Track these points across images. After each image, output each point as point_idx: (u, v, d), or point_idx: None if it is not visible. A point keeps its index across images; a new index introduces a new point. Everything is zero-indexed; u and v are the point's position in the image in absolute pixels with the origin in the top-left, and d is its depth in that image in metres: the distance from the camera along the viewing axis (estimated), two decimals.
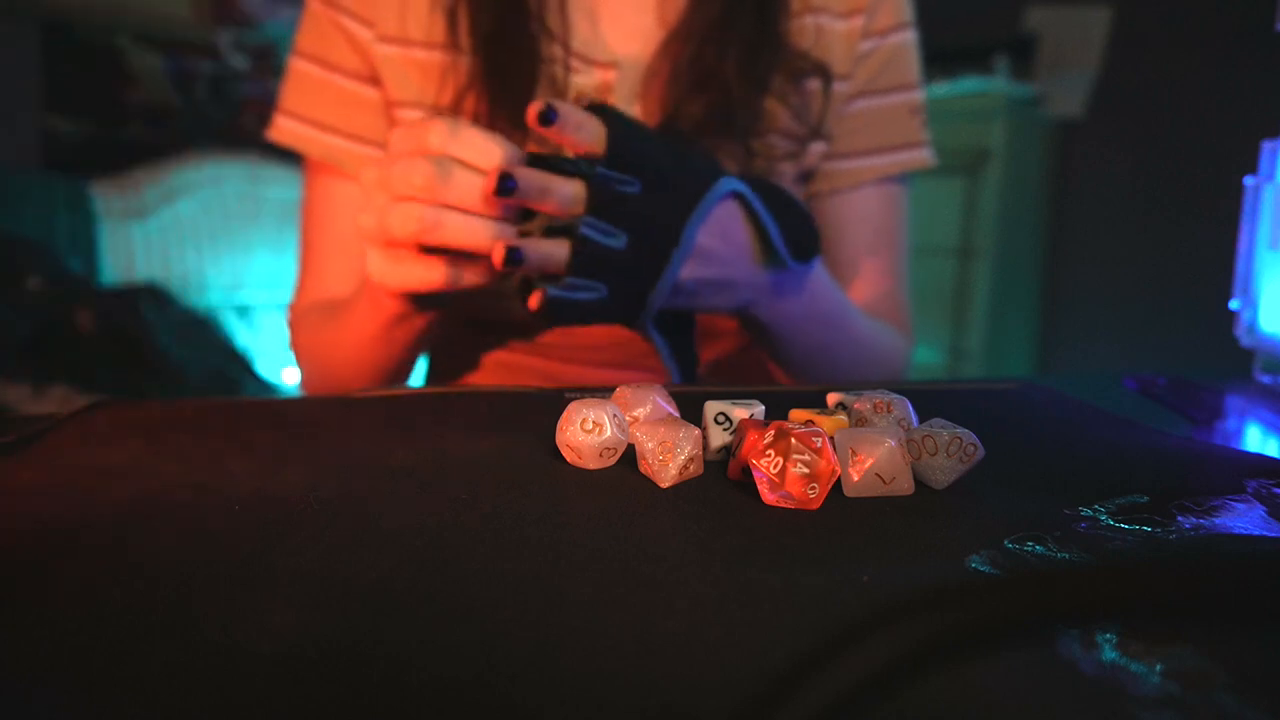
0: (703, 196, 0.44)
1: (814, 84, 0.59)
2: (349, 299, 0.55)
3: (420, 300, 0.47)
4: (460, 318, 0.64)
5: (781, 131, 0.58)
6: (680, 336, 0.50)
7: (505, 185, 0.39)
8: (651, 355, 0.62)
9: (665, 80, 0.55)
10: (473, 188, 0.40)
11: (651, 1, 0.58)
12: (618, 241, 0.43)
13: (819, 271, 0.53)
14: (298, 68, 0.60)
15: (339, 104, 0.59)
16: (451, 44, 0.56)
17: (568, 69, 0.56)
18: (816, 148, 0.61)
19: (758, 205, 0.46)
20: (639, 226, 0.43)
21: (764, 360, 0.66)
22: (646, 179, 0.43)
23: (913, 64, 0.63)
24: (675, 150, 0.46)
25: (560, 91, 0.56)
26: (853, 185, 0.63)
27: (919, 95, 0.63)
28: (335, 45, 0.58)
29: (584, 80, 0.57)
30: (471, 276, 0.43)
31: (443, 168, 0.40)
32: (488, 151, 0.40)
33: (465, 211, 0.41)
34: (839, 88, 0.60)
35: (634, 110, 0.57)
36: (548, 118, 0.40)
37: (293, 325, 0.63)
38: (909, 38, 0.63)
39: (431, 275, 0.42)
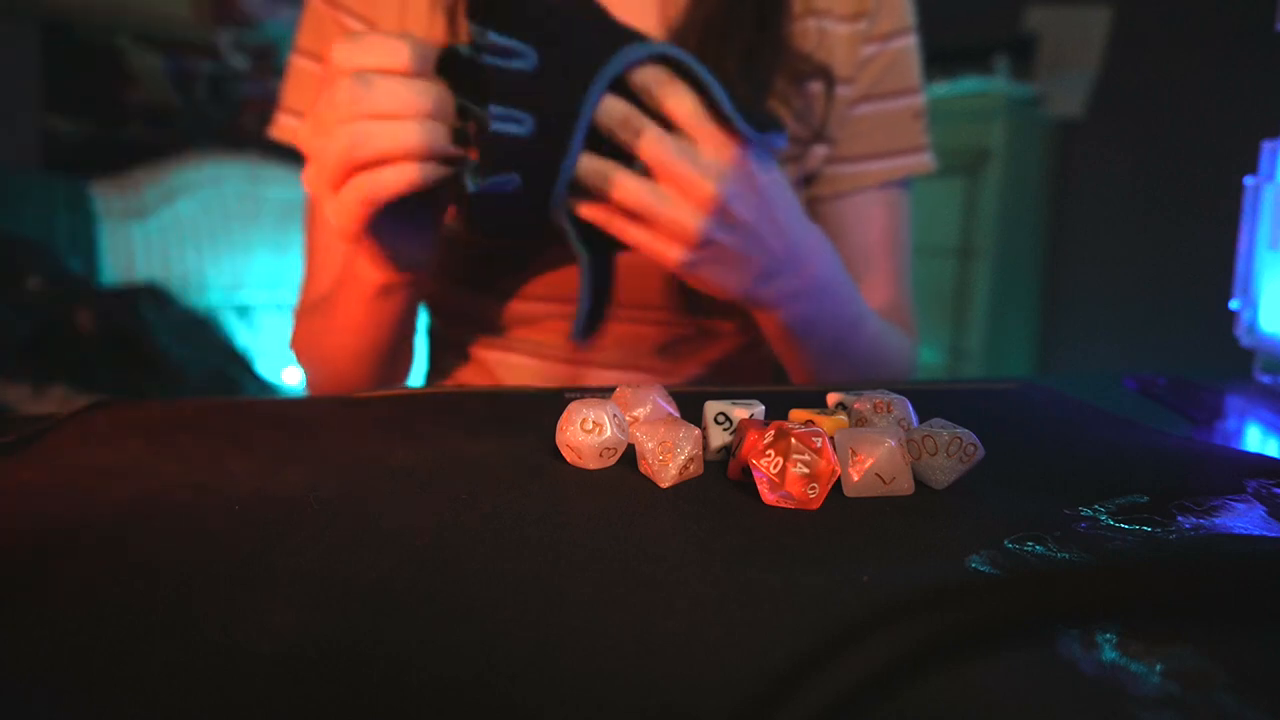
0: (605, 63, 0.40)
1: (816, 87, 0.59)
2: (333, 289, 0.55)
3: (388, 246, 0.45)
4: (459, 318, 0.64)
5: None
6: (599, 254, 0.46)
7: None
8: (651, 355, 0.62)
9: None
10: (393, 93, 0.39)
11: (653, 2, 0.58)
12: (523, 128, 0.40)
13: (834, 268, 0.51)
14: (299, 65, 0.60)
15: None
16: (451, 41, 0.56)
17: None
18: (819, 151, 0.61)
19: (695, 65, 0.42)
20: (539, 107, 0.40)
21: (764, 360, 0.66)
22: (542, 51, 0.40)
23: (914, 69, 0.63)
24: (588, 19, 0.42)
25: None
26: (855, 189, 0.63)
27: (920, 100, 0.64)
28: (335, 42, 0.58)
29: None
30: (426, 170, 0.41)
31: (360, 79, 0.38)
32: (394, 51, 0.39)
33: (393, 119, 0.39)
34: (841, 91, 0.60)
35: None
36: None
37: (294, 326, 0.63)
38: (911, 42, 0.63)
39: (381, 182, 0.40)
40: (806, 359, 0.54)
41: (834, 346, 0.54)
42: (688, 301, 0.59)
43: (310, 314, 0.60)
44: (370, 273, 0.48)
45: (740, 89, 0.55)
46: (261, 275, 2.30)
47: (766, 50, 0.56)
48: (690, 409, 0.34)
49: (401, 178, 0.40)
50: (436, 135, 0.39)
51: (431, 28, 0.57)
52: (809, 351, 0.53)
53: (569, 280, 0.58)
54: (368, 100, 0.38)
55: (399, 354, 0.57)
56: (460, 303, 0.63)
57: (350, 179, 0.40)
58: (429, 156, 0.40)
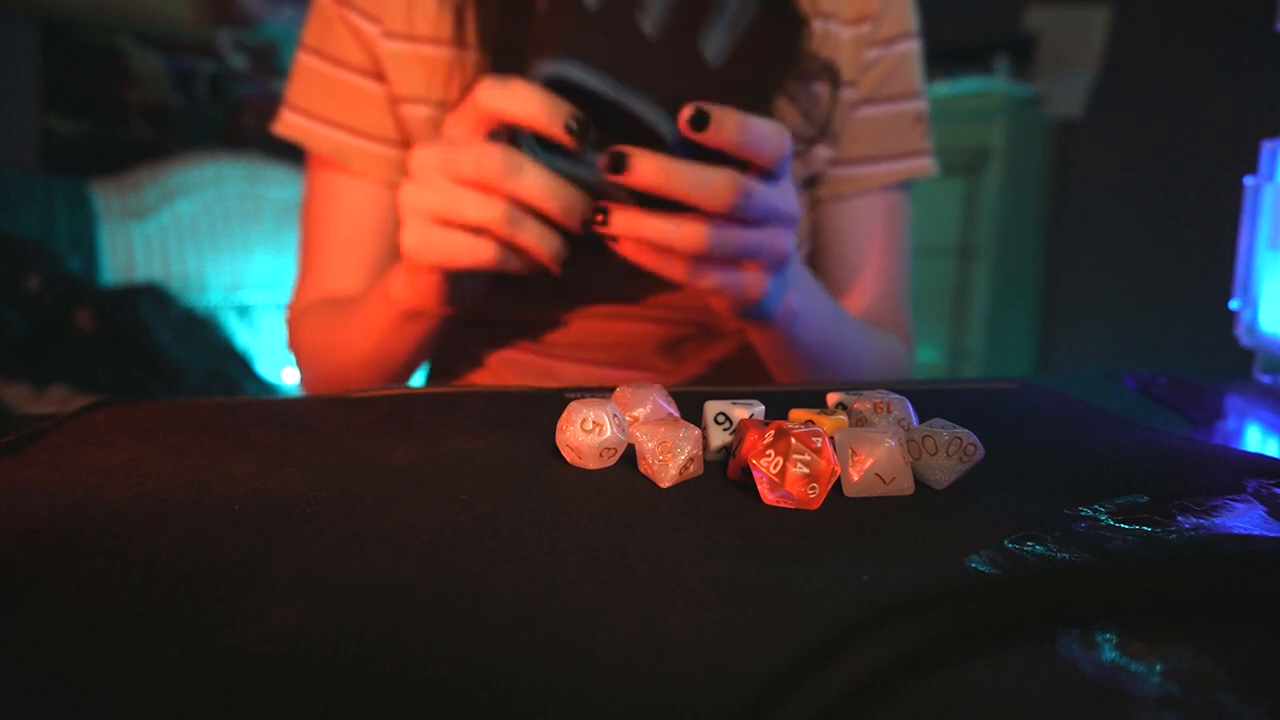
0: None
1: (822, 86, 0.59)
2: (358, 295, 0.55)
3: (450, 285, 0.46)
4: (460, 315, 0.64)
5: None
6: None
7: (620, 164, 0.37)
8: (654, 354, 0.62)
9: None
10: (544, 189, 0.39)
11: None
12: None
13: (812, 281, 0.52)
14: (304, 62, 0.60)
15: (344, 99, 0.59)
16: (458, 40, 0.56)
17: None
18: (823, 152, 0.61)
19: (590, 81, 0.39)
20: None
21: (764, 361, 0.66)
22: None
23: (917, 73, 0.64)
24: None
25: None
26: (856, 192, 0.63)
27: (923, 104, 0.64)
28: (341, 40, 0.58)
29: None
30: (515, 263, 0.42)
31: (514, 162, 0.39)
32: (548, 115, 0.38)
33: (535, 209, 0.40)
34: (844, 94, 0.60)
35: None
36: (700, 123, 0.37)
37: (293, 324, 0.63)
38: (914, 47, 0.63)
39: (480, 251, 0.41)
40: (794, 372, 0.55)
41: (818, 361, 0.54)
42: (691, 299, 0.59)
43: (316, 314, 0.60)
44: (405, 295, 0.48)
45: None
46: (261, 275, 2.31)
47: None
48: (690, 409, 0.34)
49: (476, 253, 0.41)
50: (524, 230, 0.41)
51: (438, 26, 0.57)
52: (796, 366, 0.54)
53: (571, 278, 0.58)
54: (513, 184, 0.39)
55: (412, 367, 0.58)
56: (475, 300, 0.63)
57: (435, 227, 0.41)
58: (510, 242, 0.41)
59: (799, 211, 0.42)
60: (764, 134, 0.38)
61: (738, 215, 0.39)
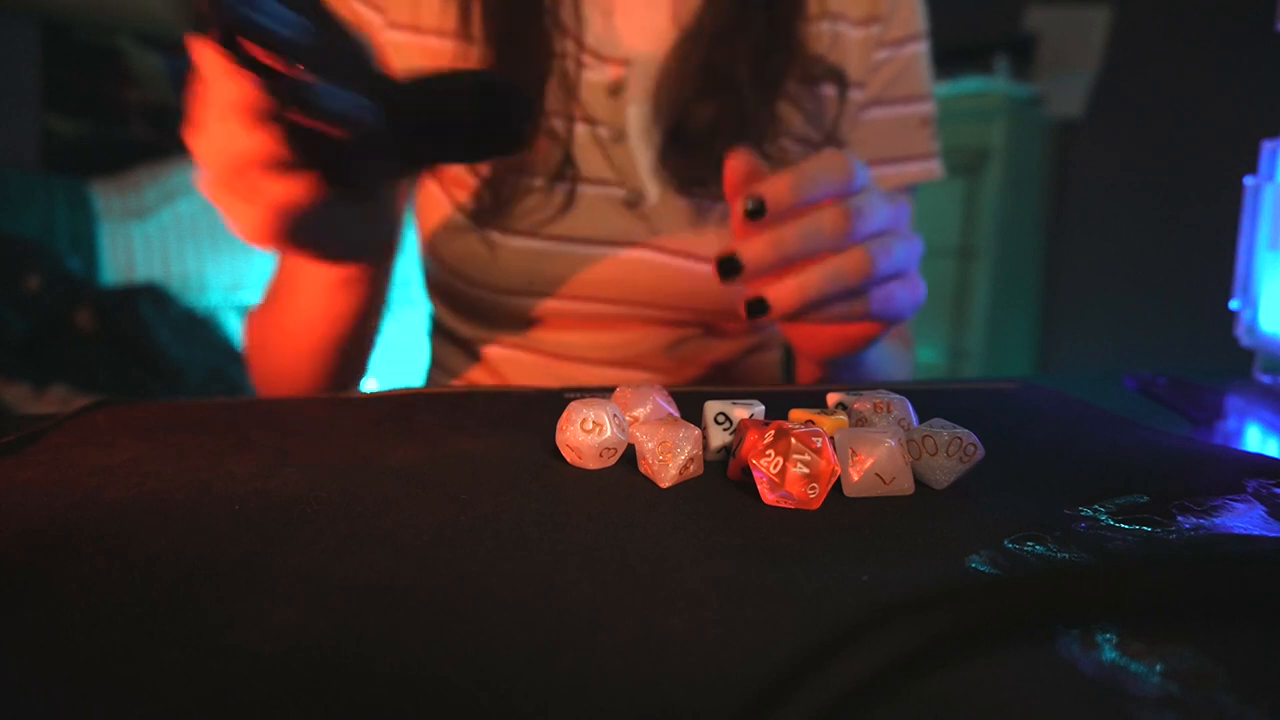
0: None
1: (828, 89, 0.59)
2: (285, 281, 0.51)
3: (323, 249, 0.41)
4: (463, 312, 0.64)
5: (795, 136, 0.58)
6: None
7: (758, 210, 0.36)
8: (658, 355, 0.62)
9: (676, 80, 0.55)
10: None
11: (665, 2, 0.58)
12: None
13: None
14: None
15: None
16: (463, 34, 0.56)
17: (579, 64, 0.56)
18: None
19: None
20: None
21: (770, 363, 0.66)
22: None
23: (925, 75, 0.63)
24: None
25: (571, 87, 0.56)
26: None
27: (930, 107, 0.63)
28: None
29: (595, 76, 0.57)
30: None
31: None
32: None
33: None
34: (852, 95, 0.60)
35: (645, 109, 0.57)
36: (757, 212, 0.36)
37: (245, 326, 0.60)
38: (922, 49, 0.62)
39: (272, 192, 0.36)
40: (851, 375, 0.54)
41: (863, 375, 0.53)
42: (694, 300, 0.59)
43: (260, 311, 0.57)
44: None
45: (758, 94, 0.52)
46: (261, 275, 2.30)
47: (779, 52, 0.56)
48: (690, 409, 0.34)
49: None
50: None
51: (444, 18, 0.57)
52: (839, 377, 0.53)
53: (574, 278, 0.58)
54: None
55: (360, 350, 0.55)
56: (464, 297, 0.63)
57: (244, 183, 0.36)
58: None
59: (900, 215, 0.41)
60: (821, 174, 0.37)
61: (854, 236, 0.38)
